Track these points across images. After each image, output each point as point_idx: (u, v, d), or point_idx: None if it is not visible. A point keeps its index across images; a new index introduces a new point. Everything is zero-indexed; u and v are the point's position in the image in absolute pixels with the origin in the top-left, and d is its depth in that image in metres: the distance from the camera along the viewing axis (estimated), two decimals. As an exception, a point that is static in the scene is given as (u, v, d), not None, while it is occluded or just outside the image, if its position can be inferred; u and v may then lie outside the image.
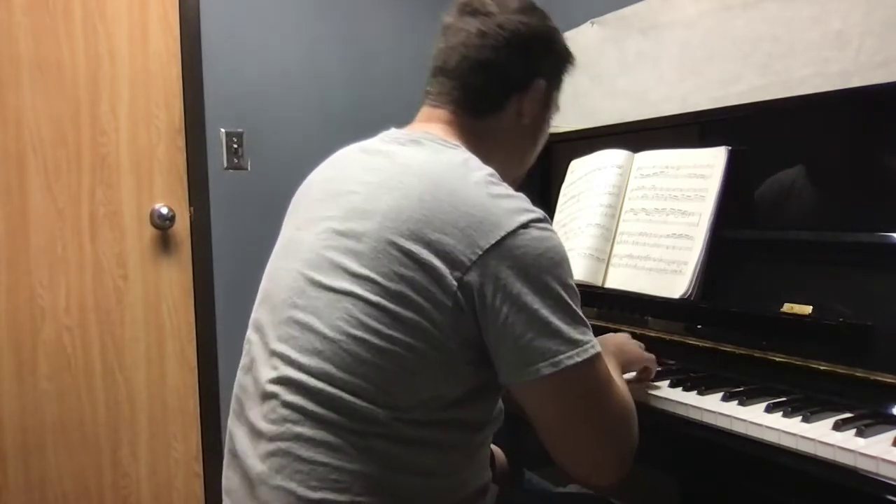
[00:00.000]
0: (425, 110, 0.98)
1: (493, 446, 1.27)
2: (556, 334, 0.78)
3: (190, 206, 2.18)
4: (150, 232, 2.13)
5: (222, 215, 2.22)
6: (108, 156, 2.06)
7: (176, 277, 2.18)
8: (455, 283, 0.77)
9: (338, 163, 0.97)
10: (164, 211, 2.12)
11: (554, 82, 1.00)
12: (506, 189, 0.84)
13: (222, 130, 2.22)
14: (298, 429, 0.81)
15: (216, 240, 2.21)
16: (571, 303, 0.81)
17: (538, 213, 0.82)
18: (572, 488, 1.14)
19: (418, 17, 2.55)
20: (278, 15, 2.30)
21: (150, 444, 2.16)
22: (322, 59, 2.36)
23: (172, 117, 2.15)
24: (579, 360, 0.78)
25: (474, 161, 0.87)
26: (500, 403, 0.92)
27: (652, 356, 1.10)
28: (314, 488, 0.79)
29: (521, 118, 0.97)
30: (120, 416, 2.11)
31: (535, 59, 0.95)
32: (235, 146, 2.23)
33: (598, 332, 1.31)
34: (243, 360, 0.94)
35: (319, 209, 0.90)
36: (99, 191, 2.06)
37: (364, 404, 0.79)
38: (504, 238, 0.78)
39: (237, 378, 0.94)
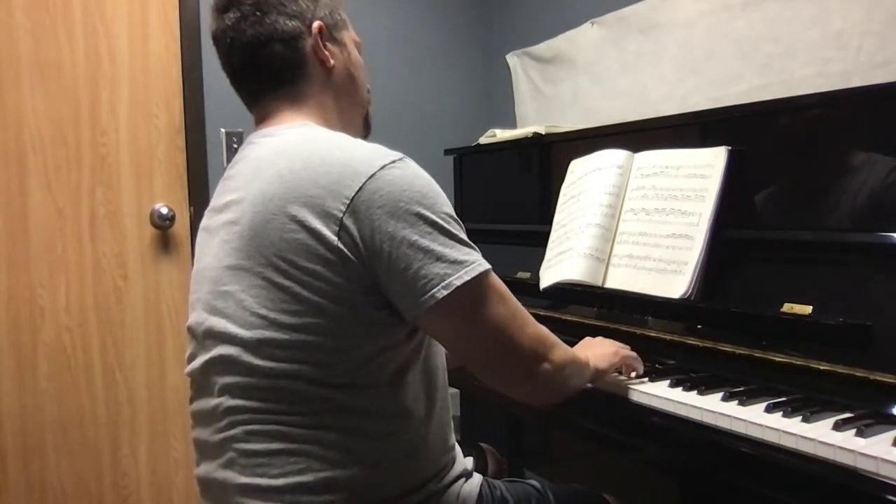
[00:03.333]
0: (256, 113, 1.02)
1: (485, 446, 1.27)
2: (441, 258, 0.81)
3: (190, 206, 2.18)
4: (150, 232, 2.13)
5: (222, 215, 2.21)
6: (108, 156, 2.06)
7: (176, 277, 2.18)
8: (334, 237, 0.80)
9: (223, 184, 1.00)
10: (164, 211, 2.12)
11: (329, 19, 1.00)
12: (357, 143, 0.89)
13: (222, 130, 2.22)
14: (248, 427, 0.85)
15: (216, 240, 2.21)
16: (449, 227, 0.84)
17: (395, 154, 0.85)
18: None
19: (416, 18, 2.56)
20: (278, 15, 2.30)
21: (150, 444, 2.16)
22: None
23: (172, 117, 2.15)
24: (468, 277, 0.82)
25: (320, 130, 0.93)
26: (442, 369, 0.96)
27: (627, 352, 1.15)
28: (276, 476, 0.83)
29: (326, 65, 0.98)
30: (120, 416, 2.11)
31: (294, 7, 0.96)
32: (235, 146, 2.23)
33: (599, 332, 1.31)
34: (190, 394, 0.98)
35: (212, 233, 0.95)
36: (99, 191, 2.05)
37: (303, 386, 0.83)
38: (366, 183, 0.81)
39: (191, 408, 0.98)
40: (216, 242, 0.91)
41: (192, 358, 0.95)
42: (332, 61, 0.99)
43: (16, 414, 1.96)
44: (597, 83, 2.15)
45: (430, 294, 0.81)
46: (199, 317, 0.92)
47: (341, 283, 0.81)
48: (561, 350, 0.94)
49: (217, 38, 0.99)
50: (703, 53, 1.79)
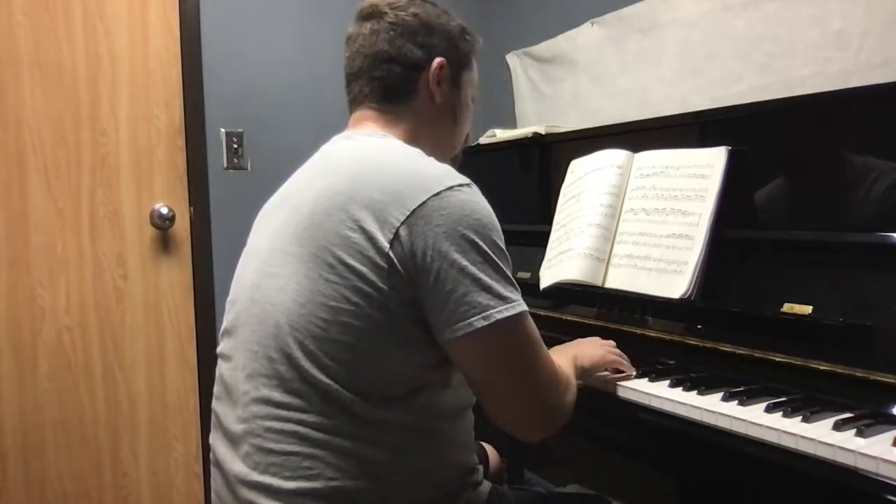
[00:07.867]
0: (353, 116, 1.04)
1: (486, 445, 1.26)
2: (487, 289, 0.82)
3: (190, 206, 2.18)
4: (150, 232, 2.13)
5: (222, 215, 2.21)
6: (108, 156, 2.06)
7: (176, 277, 2.18)
8: (387, 244, 0.81)
9: (295, 174, 1.03)
10: (164, 211, 2.12)
11: (456, 62, 1.04)
12: (431, 160, 0.90)
13: (222, 130, 2.22)
14: (268, 423, 0.85)
15: (216, 240, 2.21)
16: (499, 262, 0.85)
17: (464, 178, 0.87)
18: (572, 488, 1.14)
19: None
20: (278, 15, 2.30)
21: (150, 444, 2.16)
22: (322, 58, 2.36)
23: (172, 117, 2.15)
24: (508, 314, 0.82)
25: (399, 144, 0.95)
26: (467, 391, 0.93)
27: (614, 356, 1.15)
28: (288, 478, 0.83)
29: (434, 99, 1.02)
30: (120, 416, 2.11)
31: (427, 40, 1.01)
32: (235, 146, 2.24)
33: (599, 332, 1.31)
34: (217, 374, 0.98)
35: (273, 216, 0.97)
36: (99, 191, 2.06)
37: (324, 386, 0.83)
38: (430, 198, 0.82)
39: (213, 400, 0.98)
40: (274, 226, 0.93)
41: (229, 332, 0.96)
42: (439, 98, 1.02)
43: (16, 414, 1.96)
44: (597, 83, 2.15)
45: (468, 321, 0.81)
46: (242, 293, 0.94)
47: (384, 290, 0.82)
48: (572, 390, 0.95)
49: (349, 39, 1.04)
50: (703, 53, 1.79)
